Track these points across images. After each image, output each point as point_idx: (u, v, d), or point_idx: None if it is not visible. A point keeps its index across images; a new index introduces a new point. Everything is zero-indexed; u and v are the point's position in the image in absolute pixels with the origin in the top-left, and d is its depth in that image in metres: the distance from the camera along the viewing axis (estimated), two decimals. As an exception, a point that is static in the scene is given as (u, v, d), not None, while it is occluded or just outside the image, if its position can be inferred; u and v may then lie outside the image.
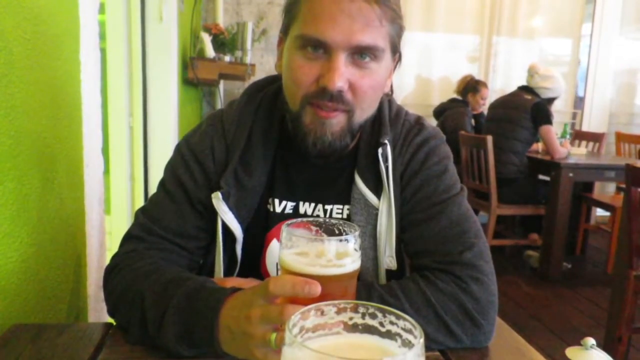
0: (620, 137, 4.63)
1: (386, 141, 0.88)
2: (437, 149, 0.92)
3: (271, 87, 0.96)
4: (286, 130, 0.92)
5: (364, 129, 0.89)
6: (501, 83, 4.84)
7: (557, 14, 4.87)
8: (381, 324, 0.39)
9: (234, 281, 0.82)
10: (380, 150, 0.88)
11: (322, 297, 0.58)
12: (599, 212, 4.77)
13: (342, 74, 0.77)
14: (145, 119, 2.65)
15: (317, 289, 0.56)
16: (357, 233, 0.63)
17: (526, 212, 3.69)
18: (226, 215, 0.86)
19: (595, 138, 4.53)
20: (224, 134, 0.91)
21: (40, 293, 0.98)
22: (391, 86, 0.92)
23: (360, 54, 0.78)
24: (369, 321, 0.39)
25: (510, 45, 4.83)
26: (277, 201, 0.92)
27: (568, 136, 3.97)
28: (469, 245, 0.82)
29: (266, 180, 0.91)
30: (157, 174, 2.71)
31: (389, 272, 0.89)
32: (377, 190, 0.89)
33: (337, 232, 0.68)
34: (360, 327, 0.39)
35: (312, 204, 0.92)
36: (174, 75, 2.76)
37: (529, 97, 3.57)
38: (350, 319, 0.39)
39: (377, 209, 0.88)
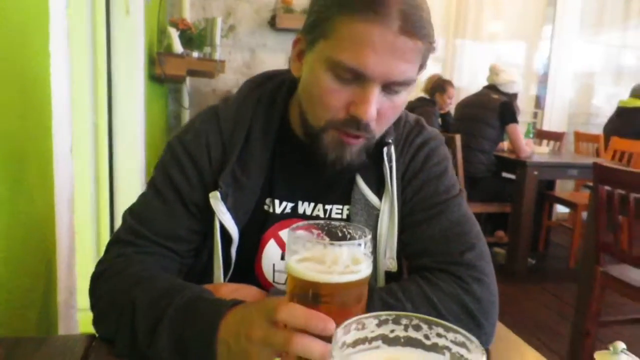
0: (579, 137, 4.78)
1: (391, 141, 0.87)
2: (437, 149, 0.91)
3: (269, 84, 0.91)
4: (287, 128, 0.88)
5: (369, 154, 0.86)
6: (466, 83, 4.92)
7: (519, 17, 4.99)
8: (426, 336, 0.36)
9: (228, 287, 0.78)
10: (385, 150, 0.86)
11: (340, 306, 0.56)
12: (559, 209, 4.92)
13: (375, 107, 0.74)
14: (111, 116, 2.55)
15: (332, 327, 0.51)
16: (369, 237, 0.59)
17: (492, 210, 3.76)
18: (224, 216, 0.82)
19: (555, 137, 4.67)
20: (220, 131, 0.86)
21: (9, 303, 0.91)
22: None
23: (393, 86, 0.75)
24: (412, 334, 0.36)
25: (474, 47, 4.93)
26: (276, 202, 0.88)
27: (531, 135, 4.07)
28: (470, 246, 0.81)
29: (264, 181, 0.87)
30: (122, 174, 2.61)
31: (387, 274, 0.87)
32: (379, 191, 0.87)
33: (340, 234, 0.63)
34: (402, 340, 0.36)
35: (312, 204, 0.89)
36: (141, 71, 2.66)
37: (495, 96, 3.63)
38: (392, 331, 0.36)
39: (378, 210, 0.86)
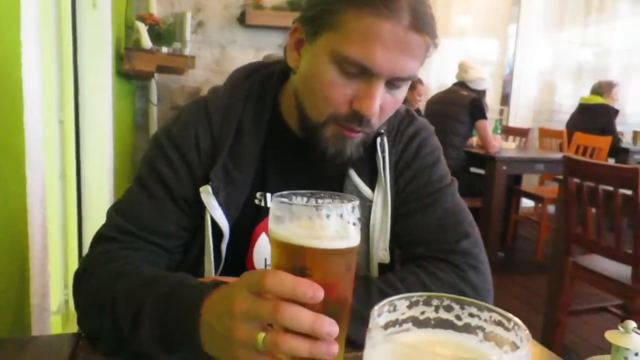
0: (543, 132, 4.92)
1: (383, 131, 0.86)
2: (429, 139, 0.91)
3: (258, 75, 0.89)
4: (278, 120, 0.86)
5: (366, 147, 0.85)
6: (435, 80, 4.99)
7: (486, 14, 5.09)
8: (458, 317, 0.35)
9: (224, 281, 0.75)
10: (378, 140, 0.85)
11: (329, 275, 0.53)
12: (524, 203, 5.04)
13: (379, 102, 0.73)
14: (77, 113, 2.46)
15: (321, 294, 0.48)
16: (357, 202, 0.57)
17: (463, 204, 3.82)
18: (215, 211, 0.79)
19: (521, 133, 4.79)
20: (209, 123, 0.83)
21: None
22: None
23: (397, 82, 0.74)
24: (442, 315, 0.35)
25: (443, 43, 4.98)
26: (268, 196, 0.86)
27: (499, 131, 4.16)
28: (465, 234, 0.81)
29: (255, 174, 0.85)
30: (90, 171, 2.53)
31: (380, 265, 0.86)
32: (371, 182, 0.86)
33: (323, 203, 0.60)
34: (432, 321, 0.35)
35: (304, 197, 0.87)
36: (109, 67, 2.58)
37: (465, 93, 3.70)
38: (422, 313, 0.35)
39: (371, 201, 0.86)
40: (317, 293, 0.48)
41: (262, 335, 0.50)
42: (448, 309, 0.35)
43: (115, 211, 0.82)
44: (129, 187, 0.84)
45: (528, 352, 0.28)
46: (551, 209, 4.24)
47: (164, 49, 3.03)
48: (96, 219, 2.39)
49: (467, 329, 0.34)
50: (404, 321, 0.35)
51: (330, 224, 0.53)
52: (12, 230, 1.02)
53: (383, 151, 0.85)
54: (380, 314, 0.33)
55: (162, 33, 3.21)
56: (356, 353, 0.68)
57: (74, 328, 0.84)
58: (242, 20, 4.03)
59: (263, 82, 0.87)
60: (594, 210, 2.25)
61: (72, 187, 2.43)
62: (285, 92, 0.86)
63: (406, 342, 0.28)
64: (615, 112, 4.45)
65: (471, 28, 5.10)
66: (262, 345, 0.49)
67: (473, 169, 4.01)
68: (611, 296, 2.33)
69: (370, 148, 0.85)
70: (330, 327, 0.48)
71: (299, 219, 0.54)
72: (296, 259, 0.53)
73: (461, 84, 3.82)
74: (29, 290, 1.11)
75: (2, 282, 0.96)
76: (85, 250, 2.11)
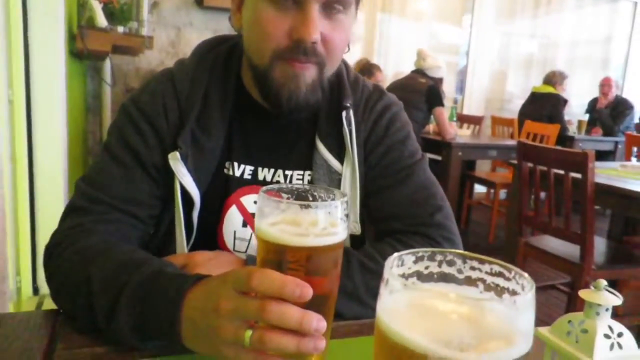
0: (495, 120, 5.09)
1: (349, 104, 0.87)
2: (398, 114, 0.92)
3: (222, 46, 0.90)
4: (242, 92, 0.87)
5: (325, 91, 0.85)
6: (393, 67, 5.06)
7: (443, 3, 5.19)
8: (459, 270, 0.37)
9: (204, 255, 0.75)
10: (344, 114, 0.86)
11: (317, 271, 0.53)
12: (477, 189, 5.23)
13: (317, 26, 0.73)
14: (28, 93, 2.35)
15: (309, 292, 0.47)
16: (345, 199, 0.56)
17: (420, 189, 3.92)
18: (184, 178, 0.79)
19: (475, 121, 4.96)
20: (175, 93, 0.83)
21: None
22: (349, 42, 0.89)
23: (331, 5, 0.75)
24: (445, 269, 0.37)
25: (398, 26, 5.06)
26: (235, 164, 0.87)
27: (455, 119, 4.27)
28: (438, 208, 0.84)
29: (223, 143, 0.85)
30: (42, 154, 2.42)
31: (352, 237, 0.88)
32: (340, 155, 0.87)
33: (311, 198, 0.60)
34: (435, 276, 0.37)
35: (272, 170, 0.88)
36: (61, 45, 2.47)
37: (423, 80, 3.77)
38: (426, 267, 0.37)
39: (340, 175, 0.87)
40: (305, 291, 0.47)
41: (248, 332, 0.49)
42: (450, 263, 0.37)
43: (84, 181, 0.80)
44: (98, 157, 0.82)
45: (533, 296, 0.31)
46: (502, 194, 4.42)
47: (120, 29, 2.93)
48: (49, 204, 2.30)
49: (468, 281, 0.37)
50: (410, 275, 0.37)
51: (318, 221, 0.52)
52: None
53: (349, 124, 0.86)
54: (392, 267, 0.35)
55: (116, 12, 3.11)
56: (339, 323, 0.70)
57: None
58: (199, 2, 3.94)
59: (227, 53, 0.88)
60: (544, 193, 2.37)
61: (23, 170, 2.33)
62: (244, 62, 0.86)
63: (425, 287, 0.29)
64: (565, 101, 4.68)
65: (428, 13, 5.19)
66: (249, 343, 0.49)
67: (430, 155, 4.11)
68: (561, 274, 2.46)
69: (337, 121, 0.86)
70: (318, 323, 0.48)
71: (286, 215, 0.53)
72: (283, 255, 0.53)
73: (419, 72, 3.89)
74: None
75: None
76: (39, 236, 2.03)
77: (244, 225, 0.87)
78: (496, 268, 0.35)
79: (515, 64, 5.74)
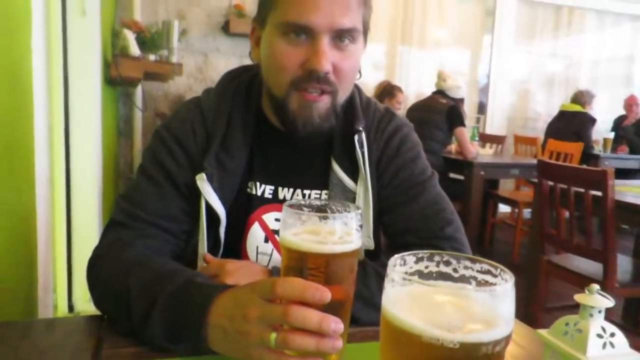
0: (518, 139, 5.09)
1: (361, 128, 0.93)
2: (409, 136, 0.99)
3: (244, 75, 0.98)
4: (262, 117, 0.94)
5: (338, 116, 0.92)
6: (413, 90, 5.13)
7: (460, 26, 5.27)
8: (455, 269, 0.43)
9: (233, 264, 0.82)
10: (356, 137, 0.92)
11: (334, 275, 0.60)
12: (500, 209, 5.20)
13: (328, 57, 0.80)
14: (67, 118, 2.49)
15: (328, 295, 0.53)
16: (359, 211, 0.63)
17: (442, 209, 3.93)
18: (210, 197, 0.87)
19: (497, 140, 4.96)
20: (203, 119, 0.92)
21: (5, 290, 0.91)
22: (359, 70, 0.95)
23: (341, 37, 0.81)
24: (442, 268, 0.43)
25: (419, 54, 5.16)
26: (257, 184, 0.94)
27: (476, 139, 4.30)
28: (448, 221, 0.90)
29: (245, 164, 0.93)
30: (79, 176, 2.55)
31: (366, 251, 0.94)
32: (354, 175, 0.93)
33: (329, 212, 0.67)
34: (434, 274, 0.43)
35: (291, 189, 0.95)
36: (97, 73, 2.62)
37: (444, 101, 3.83)
38: (426, 267, 0.43)
39: (355, 193, 0.93)
40: (324, 295, 0.53)
41: (273, 335, 0.55)
42: (447, 263, 0.43)
43: (123, 199, 0.88)
44: (134, 178, 0.91)
45: (512, 286, 0.37)
46: (526, 213, 4.40)
47: (151, 56, 3.08)
48: (84, 223, 2.42)
49: (462, 279, 0.42)
50: (412, 274, 0.43)
51: (335, 230, 0.60)
52: (25, 226, 1.07)
53: (362, 147, 0.92)
54: (395, 265, 0.41)
55: (148, 41, 3.27)
56: (357, 328, 0.76)
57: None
58: (225, 28, 4.10)
59: (249, 82, 0.96)
60: (566, 211, 2.38)
61: (61, 191, 2.45)
62: (264, 90, 0.94)
63: (421, 281, 0.35)
64: (594, 120, 4.67)
65: (447, 39, 5.27)
66: (274, 343, 0.55)
67: (452, 175, 4.14)
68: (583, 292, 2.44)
69: (350, 143, 0.92)
70: (336, 325, 0.54)
71: (307, 226, 0.60)
72: (305, 262, 0.60)
73: (440, 92, 3.95)
74: (37, 283, 1.16)
75: (16, 273, 1.01)
76: (75, 254, 2.14)
77: (266, 240, 0.94)
78: (485, 266, 0.41)
79: (536, 83, 5.75)
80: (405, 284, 0.38)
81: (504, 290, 0.36)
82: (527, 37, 5.57)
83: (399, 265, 0.42)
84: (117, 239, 0.84)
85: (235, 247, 0.94)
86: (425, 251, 0.43)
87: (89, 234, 2.43)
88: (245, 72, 0.99)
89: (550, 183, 2.37)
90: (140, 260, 0.78)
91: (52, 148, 2.39)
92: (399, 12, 5.03)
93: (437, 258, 0.43)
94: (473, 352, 0.35)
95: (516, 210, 4.42)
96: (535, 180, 2.52)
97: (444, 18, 5.19)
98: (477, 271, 0.42)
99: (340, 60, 0.82)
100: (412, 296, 0.38)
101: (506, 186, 5.31)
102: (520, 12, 5.44)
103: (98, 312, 0.79)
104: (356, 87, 0.98)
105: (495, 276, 0.41)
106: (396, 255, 0.42)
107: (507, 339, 0.37)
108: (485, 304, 0.37)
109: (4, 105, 0.93)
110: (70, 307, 2.28)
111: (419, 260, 0.43)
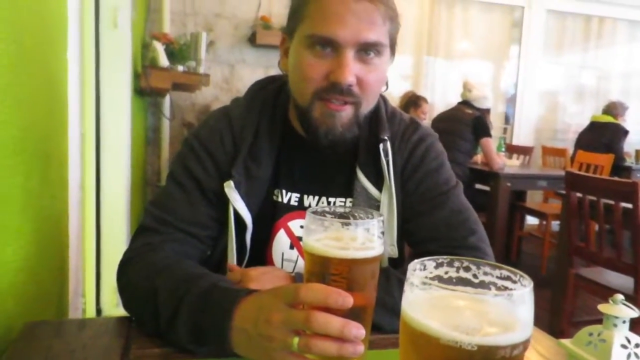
0: (546, 151, 5.02)
1: (386, 137, 0.94)
2: (433, 145, 0.99)
3: (272, 86, 1.00)
4: (289, 127, 0.96)
5: (362, 126, 0.93)
6: (438, 100, 5.11)
7: (486, 37, 5.23)
8: (475, 275, 0.43)
9: (257, 270, 0.84)
10: (381, 146, 0.93)
11: (356, 281, 0.60)
12: (528, 221, 5.12)
13: (352, 70, 0.82)
14: (98, 127, 2.57)
15: (350, 300, 0.55)
16: (381, 218, 0.65)
17: (468, 220, 3.89)
18: (237, 203, 0.89)
19: (524, 151, 4.89)
20: (231, 128, 0.94)
21: (37, 292, 0.95)
22: (386, 82, 0.96)
23: (366, 50, 0.83)
24: (462, 274, 0.44)
25: (445, 65, 5.15)
26: (283, 192, 0.96)
27: (503, 149, 4.25)
28: (472, 231, 0.89)
29: (272, 172, 0.94)
30: (108, 183, 2.62)
31: (390, 259, 0.95)
32: (378, 183, 0.94)
33: (351, 218, 0.67)
34: (454, 280, 0.44)
35: (316, 197, 0.96)
36: (128, 84, 2.70)
37: (469, 111, 3.80)
38: (446, 272, 0.44)
39: (379, 202, 0.94)
40: (347, 300, 0.55)
41: (296, 339, 0.57)
42: (467, 269, 0.44)
43: (152, 205, 0.91)
44: (164, 185, 0.94)
45: (531, 291, 0.37)
46: (555, 225, 4.31)
47: (179, 67, 3.15)
48: (113, 229, 2.48)
49: (482, 285, 0.43)
50: (431, 279, 0.44)
51: (357, 237, 0.61)
52: (58, 230, 1.11)
53: (387, 155, 0.93)
54: (415, 269, 0.42)
55: (177, 52, 3.35)
56: (379, 335, 0.76)
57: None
58: (252, 40, 4.17)
59: (276, 92, 0.98)
60: (595, 223, 2.33)
61: (91, 198, 2.52)
62: (291, 100, 0.96)
63: (440, 285, 0.36)
64: (626, 132, 4.57)
65: (473, 50, 5.24)
66: (297, 347, 0.57)
67: (478, 186, 4.09)
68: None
69: (375, 152, 0.93)
70: (357, 330, 0.55)
71: (330, 231, 0.61)
72: (327, 267, 0.61)
73: (465, 103, 3.92)
74: (68, 284, 1.20)
75: (51, 275, 1.04)
76: (103, 258, 2.20)
77: (291, 247, 0.96)
78: (505, 273, 0.42)
79: (565, 95, 5.66)
80: (424, 288, 0.39)
81: (521, 294, 0.37)
82: (556, 48, 5.50)
83: (419, 270, 0.43)
84: (146, 244, 0.86)
85: (261, 254, 0.96)
86: (446, 257, 0.44)
87: (117, 240, 2.49)
88: (273, 82, 1.01)
89: (579, 195, 2.33)
90: (168, 264, 0.80)
91: (84, 155, 2.46)
92: (425, 23, 5.03)
93: (457, 264, 0.44)
94: (490, 355, 0.35)
95: (544, 222, 4.35)
96: (563, 192, 2.48)
97: (470, 29, 5.17)
98: (497, 277, 0.42)
99: (364, 73, 0.84)
100: (431, 300, 0.39)
101: (534, 198, 5.23)
102: (549, 22, 5.38)
103: (126, 315, 0.82)
104: (382, 97, 1.00)
105: (514, 282, 0.41)
106: (416, 260, 0.43)
107: (525, 344, 0.37)
108: (504, 308, 0.37)
109: (41, 115, 0.97)
110: (98, 311, 2.34)
111: (438, 265, 0.44)
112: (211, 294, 0.70)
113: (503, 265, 0.42)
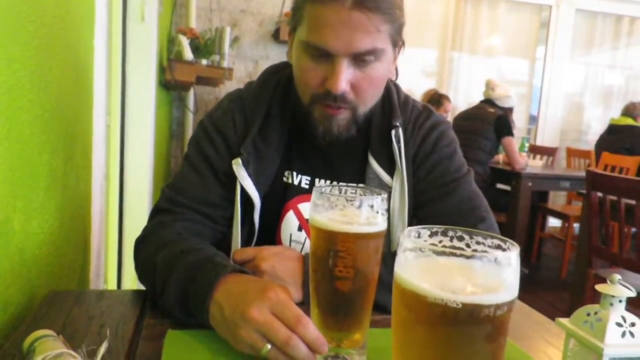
0: (571, 152, 4.94)
1: (398, 124, 0.95)
2: (446, 132, 1.00)
3: (286, 70, 1.01)
4: (301, 111, 0.97)
5: (374, 112, 0.95)
6: (463, 98, 5.08)
7: (514, 35, 5.17)
8: (467, 245, 0.45)
9: (270, 250, 0.85)
10: (393, 132, 0.94)
11: (360, 255, 0.62)
12: (550, 223, 5.05)
13: (344, 80, 0.82)
14: (123, 118, 2.63)
15: (325, 349, 0.59)
16: (385, 195, 0.66)
17: (488, 219, 3.87)
18: (245, 181, 0.91)
19: (548, 152, 4.83)
20: (243, 109, 0.97)
21: (59, 266, 0.99)
22: (396, 70, 0.96)
23: (362, 57, 0.83)
24: (455, 243, 0.46)
25: (469, 62, 5.10)
26: (294, 174, 0.98)
27: (526, 149, 4.21)
28: (482, 218, 0.90)
29: (283, 153, 0.97)
30: (132, 174, 2.68)
31: None
32: (390, 170, 0.95)
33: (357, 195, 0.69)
34: (447, 249, 0.45)
35: (328, 181, 0.98)
36: (153, 77, 2.76)
37: (492, 110, 3.77)
38: (440, 242, 0.46)
39: (391, 187, 0.95)
40: (321, 348, 0.59)
41: (267, 347, 0.59)
42: (460, 238, 0.45)
43: (168, 187, 0.95)
44: (180, 167, 0.97)
45: (517, 256, 0.39)
46: (577, 228, 4.25)
47: (204, 61, 3.20)
48: (135, 218, 2.54)
49: (474, 254, 0.45)
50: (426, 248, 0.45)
51: (361, 212, 0.63)
52: (81, 211, 1.16)
53: (398, 142, 0.94)
54: (408, 236, 0.44)
55: (201, 46, 3.40)
56: (384, 316, 0.78)
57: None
58: (276, 36, 4.21)
59: (289, 76, 0.99)
60: (616, 224, 2.30)
61: (115, 188, 2.60)
62: None
63: (431, 247, 0.38)
64: (648, 134, 4.45)
65: (499, 47, 5.19)
66: (266, 355, 0.59)
67: (499, 185, 4.06)
68: (633, 308, 2.35)
69: (387, 139, 0.95)
70: None
71: (335, 207, 0.63)
72: (332, 241, 0.63)
73: (488, 101, 3.90)
74: (90, 263, 1.25)
75: (72, 251, 1.09)
76: (125, 244, 2.27)
77: (299, 229, 0.98)
78: (496, 242, 0.43)
79: (593, 95, 5.55)
80: (417, 254, 0.41)
81: (507, 257, 0.39)
82: (585, 48, 5.40)
83: (413, 237, 0.45)
84: (159, 222, 0.90)
85: (269, 234, 0.98)
86: (440, 226, 0.46)
87: (139, 227, 2.55)
88: (287, 67, 1.02)
89: (600, 194, 2.30)
90: (173, 239, 0.84)
91: (109, 144, 2.53)
92: (450, 17, 4.99)
93: (450, 233, 0.46)
94: (475, 314, 0.37)
95: (566, 224, 4.29)
96: (584, 192, 2.45)
97: (496, 26, 5.12)
98: (489, 246, 0.44)
99: (360, 79, 0.84)
100: (422, 264, 0.41)
101: (558, 200, 5.16)
102: (578, 22, 5.29)
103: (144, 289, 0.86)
104: (394, 84, 1.01)
105: (504, 250, 0.43)
106: (411, 227, 0.45)
107: (509, 305, 0.39)
108: (490, 271, 0.39)
109: (67, 99, 1.01)
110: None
111: (433, 234, 0.46)
112: (203, 265, 0.73)
113: (495, 235, 0.43)
